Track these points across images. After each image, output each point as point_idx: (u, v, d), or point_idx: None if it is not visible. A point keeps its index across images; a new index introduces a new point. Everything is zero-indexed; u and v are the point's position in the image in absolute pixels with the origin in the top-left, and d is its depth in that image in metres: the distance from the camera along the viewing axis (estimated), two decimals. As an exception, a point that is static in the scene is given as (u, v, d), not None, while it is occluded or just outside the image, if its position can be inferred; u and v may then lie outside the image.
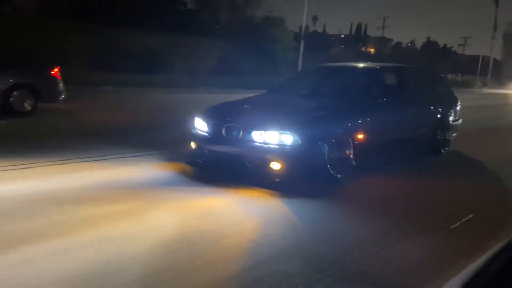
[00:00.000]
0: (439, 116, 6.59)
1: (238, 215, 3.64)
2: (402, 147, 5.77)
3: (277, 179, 4.37)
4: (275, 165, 4.33)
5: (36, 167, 4.67)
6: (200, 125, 5.10)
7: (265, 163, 4.37)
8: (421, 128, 6.18)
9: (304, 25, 28.88)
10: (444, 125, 6.67)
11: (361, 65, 6.06)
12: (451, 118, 6.91)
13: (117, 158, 5.34)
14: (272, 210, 3.80)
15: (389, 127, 5.42)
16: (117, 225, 3.22)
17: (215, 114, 4.99)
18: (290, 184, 4.32)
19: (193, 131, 5.22)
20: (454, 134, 7.03)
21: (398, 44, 51.39)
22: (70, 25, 20.26)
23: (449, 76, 38.81)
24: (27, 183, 4.11)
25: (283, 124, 4.37)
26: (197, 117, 5.21)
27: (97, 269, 2.52)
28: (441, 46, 54.30)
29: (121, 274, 2.48)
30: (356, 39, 64.26)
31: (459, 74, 44.66)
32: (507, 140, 9.21)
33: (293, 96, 5.56)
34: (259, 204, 3.92)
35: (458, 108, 7.25)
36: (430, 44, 54.78)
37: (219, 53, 24.83)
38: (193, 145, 5.21)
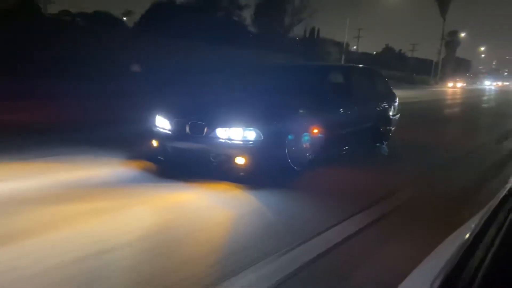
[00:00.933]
0: (380, 111, 7.19)
1: (209, 207, 3.86)
2: (350, 140, 6.26)
3: (242, 173, 4.62)
4: (240, 160, 4.58)
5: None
6: (162, 123, 5.21)
7: (230, 159, 4.61)
8: (366, 122, 6.72)
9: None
10: (385, 120, 7.30)
11: (313, 64, 6.47)
12: (390, 113, 7.56)
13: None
14: (239, 201, 4.06)
15: (339, 122, 5.88)
16: (93, 222, 3.30)
17: (177, 112, 5.12)
18: (253, 177, 4.58)
19: (153, 129, 5.32)
20: (393, 128, 7.69)
21: (365, 52, 57.46)
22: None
23: (404, 75, 44.90)
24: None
25: (247, 120, 4.63)
26: (158, 115, 5.31)
27: (78, 264, 2.59)
28: (396, 51, 62.81)
29: (101, 268, 2.59)
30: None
31: (414, 74, 51.20)
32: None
33: (252, 93, 5.83)
34: (227, 196, 4.17)
35: (396, 103, 7.93)
36: (388, 50, 62.76)
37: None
38: (154, 143, 5.30)
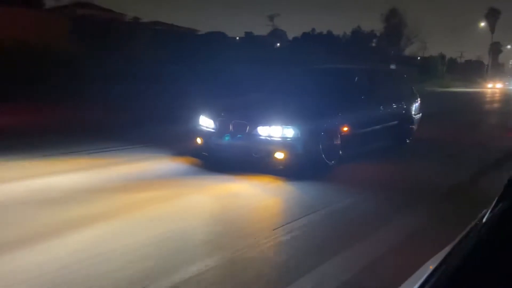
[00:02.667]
0: (404, 111, 7.62)
1: (256, 195, 4.43)
2: (377, 137, 6.72)
3: (281, 167, 5.15)
4: (279, 155, 5.11)
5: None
6: (206, 122, 5.77)
7: (270, 154, 5.14)
8: (391, 121, 7.16)
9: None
10: (408, 118, 7.73)
11: (344, 67, 6.96)
12: (413, 112, 7.98)
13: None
14: (281, 190, 4.61)
15: (367, 120, 6.34)
16: (159, 207, 3.86)
17: (221, 112, 5.68)
18: (291, 171, 5.09)
19: (198, 128, 5.89)
20: (416, 126, 8.11)
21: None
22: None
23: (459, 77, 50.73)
24: (67, 175, 4.64)
25: (285, 119, 5.16)
26: (202, 115, 5.87)
27: (156, 242, 3.07)
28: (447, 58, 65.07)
29: (178, 244, 3.12)
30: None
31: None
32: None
33: (288, 94, 6.35)
34: (270, 186, 4.71)
35: (418, 104, 8.34)
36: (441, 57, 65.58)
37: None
38: (198, 140, 5.86)
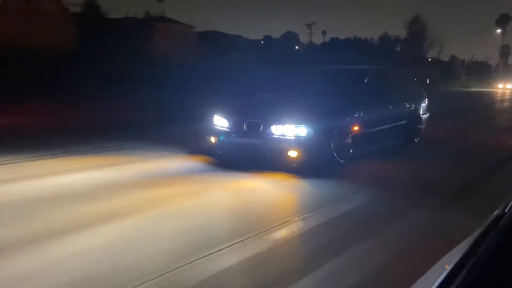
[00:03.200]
0: (412, 110, 7.76)
1: (272, 191, 4.61)
2: (386, 136, 6.87)
3: (294, 165, 5.31)
4: (292, 153, 5.27)
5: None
6: (220, 122, 5.95)
7: (284, 152, 5.30)
8: (399, 120, 7.30)
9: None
10: (416, 118, 7.86)
11: (354, 67, 7.11)
12: (421, 112, 8.12)
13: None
14: (295, 186, 4.79)
15: (376, 120, 6.49)
16: (184, 202, 4.04)
17: (235, 112, 5.85)
18: (304, 168, 5.25)
19: (212, 127, 6.06)
20: (423, 126, 8.24)
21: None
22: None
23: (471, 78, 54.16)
24: (90, 172, 4.85)
25: (298, 119, 5.32)
26: (216, 115, 6.04)
27: (184, 234, 3.26)
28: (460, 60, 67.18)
29: (206, 234, 3.31)
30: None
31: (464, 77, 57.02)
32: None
33: (301, 94, 6.51)
34: (284, 183, 4.89)
35: (425, 104, 8.48)
36: (454, 58, 65.80)
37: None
38: (212, 139, 6.03)
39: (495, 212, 1.25)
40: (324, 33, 59.82)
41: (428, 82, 31.37)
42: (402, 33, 54.06)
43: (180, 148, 6.41)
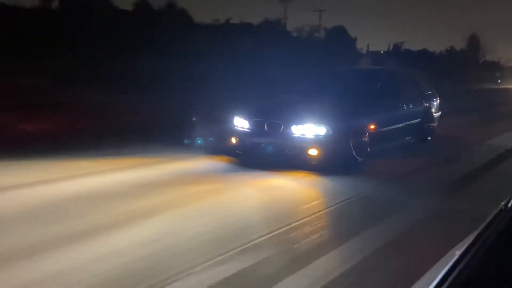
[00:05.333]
0: (425, 109, 7.95)
1: (296, 187, 4.86)
2: (400, 135, 7.06)
3: (314, 163, 5.53)
4: (312, 152, 5.49)
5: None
6: (240, 123, 6.18)
7: (304, 151, 5.53)
8: (413, 119, 7.49)
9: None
10: (429, 117, 8.04)
11: (370, 68, 7.34)
12: (433, 110, 8.30)
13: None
14: (318, 182, 5.02)
15: (391, 119, 6.69)
16: (215, 199, 4.28)
17: (256, 113, 6.09)
18: (324, 166, 5.46)
19: (232, 128, 6.30)
20: (436, 124, 8.42)
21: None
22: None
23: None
24: (125, 173, 5.13)
25: (317, 118, 5.55)
26: (237, 116, 6.28)
27: (221, 229, 3.47)
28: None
29: (241, 229, 3.55)
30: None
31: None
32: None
33: (317, 95, 6.74)
34: (307, 180, 5.12)
35: (437, 102, 8.65)
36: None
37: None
38: (233, 140, 6.27)
39: (500, 206, 1.30)
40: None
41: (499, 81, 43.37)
42: (459, 45, 62.23)
43: (201, 148, 6.66)
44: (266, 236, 3.22)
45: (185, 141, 7.09)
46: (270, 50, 19.98)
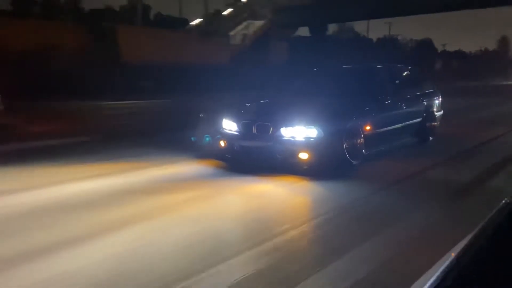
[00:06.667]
0: (425, 108, 7.59)
1: (284, 194, 4.55)
2: (399, 135, 6.72)
3: (305, 167, 5.21)
4: (303, 155, 5.17)
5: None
6: (229, 125, 5.88)
7: (294, 154, 5.21)
8: (412, 119, 7.14)
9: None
10: (430, 116, 7.68)
11: (365, 66, 6.99)
12: (434, 109, 7.94)
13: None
14: (307, 189, 4.71)
15: (389, 119, 6.35)
16: (195, 207, 3.98)
17: (244, 115, 5.79)
18: (315, 171, 5.14)
19: (221, 131, 5.99)
20: (437, 123, 8.05)
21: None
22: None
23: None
24: (103, 179, 4.82)
25: (308, 120, 5.22)
26: (225, 118, 5.97)
27: (196, 242, 3.17)
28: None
29: (218, 240, 3.25)
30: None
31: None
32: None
33: (310, 95, 6.42)
34: (296, 186, 4.80)
35: (439, 101, 8.29)
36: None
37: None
38: (222, 143, 5.97)
39: (501, 204, 1.26)
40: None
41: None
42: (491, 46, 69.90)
43: (189, 152, 6.36)
44: (237, 258, 2.86)
45: (192, 139, 6.65)
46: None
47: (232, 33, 19.85)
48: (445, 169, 5.84)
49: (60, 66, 13.63)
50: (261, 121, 5.46)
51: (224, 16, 20.37)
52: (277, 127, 5.31)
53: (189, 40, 17.98)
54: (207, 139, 6.48)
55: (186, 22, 22.33)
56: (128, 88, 13.89)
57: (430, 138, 7.66)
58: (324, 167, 5.23)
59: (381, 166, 5.77)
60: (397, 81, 7.07)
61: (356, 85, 6.43)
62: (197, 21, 20.21)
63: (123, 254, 2.93)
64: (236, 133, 5.74)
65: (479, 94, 22.75)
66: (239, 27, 19.96)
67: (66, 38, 14.81)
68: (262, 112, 5.78)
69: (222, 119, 6.01)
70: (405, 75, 7.77)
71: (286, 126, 5.26)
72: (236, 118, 5.81)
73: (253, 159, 5.58)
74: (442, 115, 8.26)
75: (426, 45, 42.16)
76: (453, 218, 3.77)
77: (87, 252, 2.96)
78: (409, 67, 8.36)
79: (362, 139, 5.66)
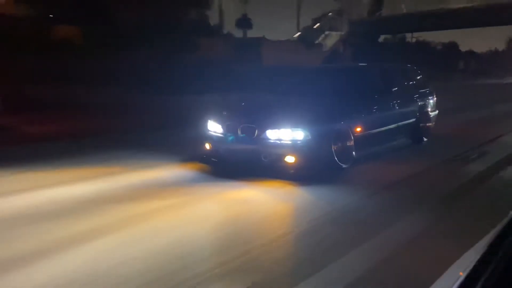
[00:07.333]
0: (419, 108, 7.35)
1: (268, 201, 4.27)
2: (392, 137, 6.49)
3: (292, 171, 4.97)
4: (289, 159, 4.93)
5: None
6: (214, 127, 5.63)
7: (280, 157, 4.96)
8: (406, 119, 6.91)
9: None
10: (424, 116, 7.45)
11: (355, 65, 6.75)
12: (429, 109, 7.71)
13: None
14: (292, 195, 4.44)
15: (381, 119, 6.12)
16: (168, 218, 3.72)
17: (229, 117, 5.54)
18: (303, 174, 4.90)
19: (206, 133, 5.75)
20: (432, 124, 7.82)
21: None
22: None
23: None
24: (75, 186, 4.56)
25: (294, 122, 4.98)
26: (210, 120, 5.73)
27: (165, 257, 2.93)
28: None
29: (194, 255, 3.01)
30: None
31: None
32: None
33: (298, 95, 6.17)
34: (281, 191, 4.55)
35: (433, 100, 8.05)
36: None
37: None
38: (207, 145, 5.73)
39: (510, 214, 1.17)
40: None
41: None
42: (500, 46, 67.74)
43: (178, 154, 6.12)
44: (207, 275, 2.63)
45: None
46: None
47: (316, 41, 27.81)
48: (438, 174, 5.60)
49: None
50: (246, 123, 5.22)
51: (314, 29, 28.81)
52: (262, 129, 5.06)
53: (298, 48, 24.89)
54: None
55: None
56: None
57: (425, 139, 7.43)
58: (312, 171, 5.00)
59: (372, 170, 5.53)
60: (389, 81, 6.82)
61: (346, 85, 6.18)
62: (297, 34, 28.87)
63: (79, 273, 2.67)
64: (221, 135, 5.50)
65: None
66: (321, 37, 28.16)
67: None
68: (247, 114, 5.53)
69: (208, 120, 5.78)
70: (399, 74, 7.53)
71: (272, 128, 5.02)
72: (221, 119, 5.57)
73: (238, 163, 5.35)
74: (437, 115, 8.05)
75: (452, 47, 46.49)
76: (444, 227, 3.55)
77: (42, 270, 2.70)
78: (403, 66, 8.14)
79: (352, 141, 5.43)
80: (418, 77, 8.03)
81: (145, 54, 14.79)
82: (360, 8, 31.01)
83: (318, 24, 29.01)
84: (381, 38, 34.78)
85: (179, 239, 3.19)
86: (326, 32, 28.36)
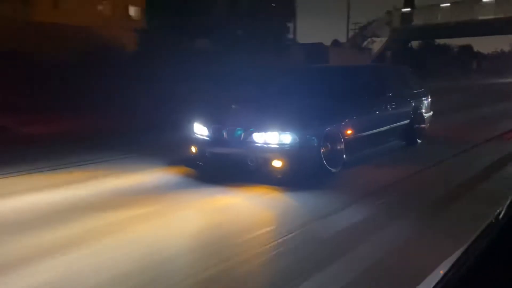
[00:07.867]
0: (413, 109, 7.18)
1: (253, 208, 4.09)
2: (384, 139, 6.31)
3: (279, 176, 4.78)
4: (277, 163, 4.74)
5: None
6: (200, 130, 5.44)
7: (267, 162, 4.77)
8: (399, 121, 6.73)
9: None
10: (418, 117, 7.28)
11: (346, 66, 6.57)
12: (423, 111, 7.53)
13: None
14: (278, 202, 4.26)
15: (373, 121, 5.94)
16: (144, 227, 3.52)
17: (215, 119, 5.35)
18: (290, 179, 4.72)
19: (192, 136, 5.55)
20: (426, 125, 7.64)
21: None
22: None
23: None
24: (49, 192, 4.35)
25: (282, 125, 4.79)
26: (196, 122, 5.54)
27: (136, 269, 2.76)
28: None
29: (163, 268, 2.82)
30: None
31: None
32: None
33: (285, 96, 5.98)
34: (266, 198, 4.35)
35: (428, 101, 7.88)
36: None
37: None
38: (193, 149, 5.53)
39: (490, 218, 1.20)
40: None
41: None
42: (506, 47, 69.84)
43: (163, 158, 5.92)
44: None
45: None
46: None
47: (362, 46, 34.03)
48: (430, 177, 5.42)
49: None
50: (232, 126, 5.03)
51: (361, 35, 34.55)
52: (248, 132, 4.88)
53: (353, 52, 29.67)
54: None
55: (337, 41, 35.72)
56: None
57: (419, 141, 7.25)
58: (300, 176, 4.81)
59: (363, 174, 5.35)
60: (381, 82, 6.64)
61: (337, 86, 6.00)
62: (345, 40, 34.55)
63: (48, 284, 2.51)
64: (207, 138, 5.31)
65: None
66: (365, 42, 34.79)
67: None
68: (234, 116, 5.34)
69: (194, 123, 5.58)
70: (391, 75, 7.35)
71: (259, 131, 4.83)
72: (207, 122, 5.37)
73: (224, 167, 5.16)
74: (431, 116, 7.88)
75: (467, 50, 50.29)
76: (434, 234, 3.37)
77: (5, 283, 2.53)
78: (396, 67, 7.96)
79: (342, 145, 5.23)
80: (412, 78, 7.86)
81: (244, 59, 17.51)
82: (397, 18, 36.31)
83: (364, 30, 35.47)
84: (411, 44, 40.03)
85: (155, 249, 3.02)
86: (370, 39, 34.86)
